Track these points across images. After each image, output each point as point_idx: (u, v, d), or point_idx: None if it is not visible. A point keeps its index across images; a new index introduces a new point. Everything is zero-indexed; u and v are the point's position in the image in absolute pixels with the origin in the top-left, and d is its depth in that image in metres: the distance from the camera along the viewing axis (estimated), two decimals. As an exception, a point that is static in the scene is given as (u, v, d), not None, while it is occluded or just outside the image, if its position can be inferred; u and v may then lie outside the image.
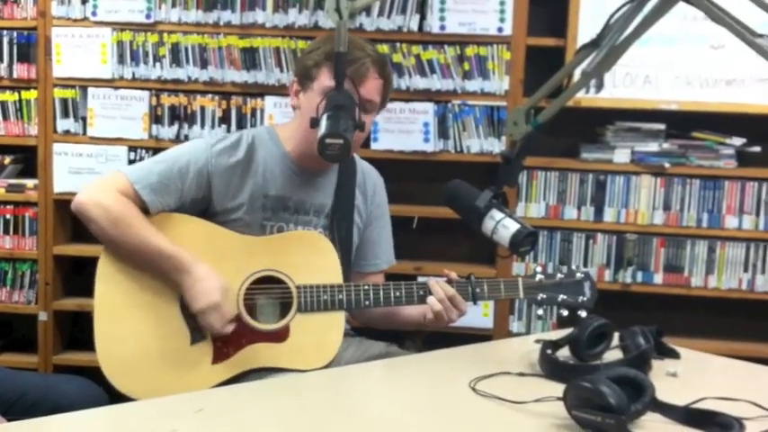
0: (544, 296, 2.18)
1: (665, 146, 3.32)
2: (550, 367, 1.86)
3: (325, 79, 2.18)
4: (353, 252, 2.38)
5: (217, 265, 2.13)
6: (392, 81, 2.34)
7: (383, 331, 2.47)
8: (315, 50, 2.23)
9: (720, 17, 1.61)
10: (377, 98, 2.23)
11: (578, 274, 2.20)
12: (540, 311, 2.20)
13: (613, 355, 1.95)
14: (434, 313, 2.16)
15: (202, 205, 2.24)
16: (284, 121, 2.49)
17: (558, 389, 1.59)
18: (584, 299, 2.19)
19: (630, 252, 3.33)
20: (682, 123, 3.33)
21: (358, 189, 2.39)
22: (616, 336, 1.99)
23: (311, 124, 1.93)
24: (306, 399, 1.76)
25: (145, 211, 2.16)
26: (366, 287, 2.17)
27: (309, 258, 2.19)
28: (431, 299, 2.15)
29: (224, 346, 2.12)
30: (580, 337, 1.91)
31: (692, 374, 1.92)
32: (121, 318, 2.12)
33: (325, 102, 1.93)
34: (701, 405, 1.60)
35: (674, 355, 2.03)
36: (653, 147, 3.32)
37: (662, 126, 3.33)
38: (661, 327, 2.04)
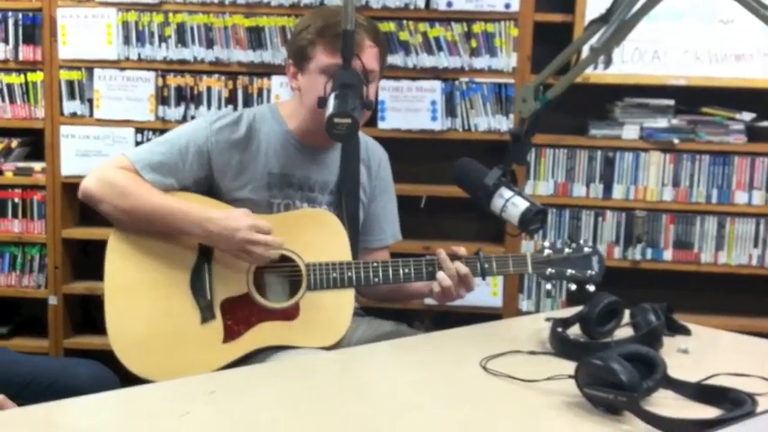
0: (552, 271, 2.17)
1: (674, 122, 3.30)
2: (561, 345, 1.85)
3: (321, 57, 2.17)
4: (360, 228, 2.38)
5: None
6: (386, 46, 2.32)
7: (392, 310, 2.47)
8: (305, 29, 2.20)
9: (732, -9, 1.59)
10: (376, 66, 2.22)
11: (586, 249, 2.19)
12: (549, 286, 2.20)
13: (624, 332, 1.95)
14: (443, 288, 2.15)
15: (206, 184, 2.24)
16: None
17: (569, 367, 1.59)
18: (593, 273, 2.18)
19: (640, 229, 3.32)
20: (691, 99, 3.32)
21: (362, 164, 2.38)
22: (627, 313, 1.99)
23: (319, 104, 1.92)
24: (318, 379, 1.76)
25: None
26: (375, 264, 2.17)
27: (318, 236, 2.19)
28: (440, 274, 2.15)
29: (234, 325, 2.13)
30: (591, 315, 1.91)
31: (704, 351, 1.92)
32: (132, 298, 2.13)
33: (332, 80, 1.92)
34: (712, 381, 1.60)
35: (685, 331, 2.03)
36: (662, 123, 3.30)
37: (671, 102, 3.31)
38: (671, 303, 2.03)
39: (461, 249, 2.19)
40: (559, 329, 1.89)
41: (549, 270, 2.17)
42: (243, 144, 2.25)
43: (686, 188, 3.30)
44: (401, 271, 2.18)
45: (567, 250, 2.19)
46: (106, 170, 2.18)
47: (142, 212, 2.13)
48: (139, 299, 2.12)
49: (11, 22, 3.37)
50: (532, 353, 1.85)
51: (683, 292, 3.31)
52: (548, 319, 1.99)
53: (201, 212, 2.12)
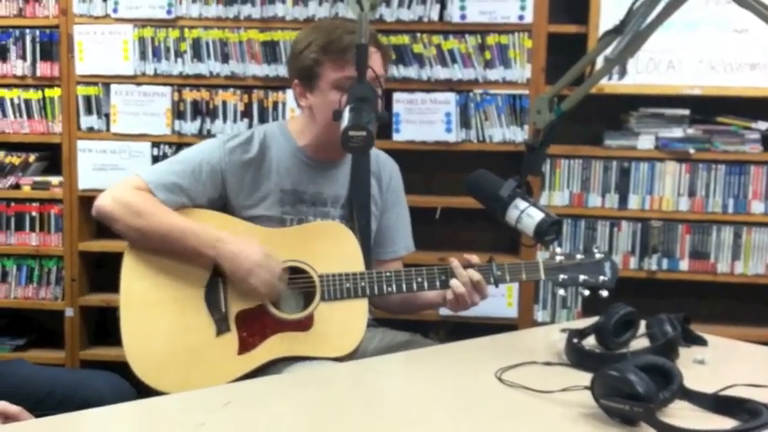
0: (565, 277, 2.16)
1: (690, 131, 3.30)
2: (577, 356, 1.85)
3: (330, 74, 2.18)
4: (372, 240, 2.38)
5: None
6: (388, 50, 2.32)
7: (407, 321, 2.47)
8: (307, 48, 2.21)
9: (747, 2, 1.59)
10: (383, 71, 2.23)
11: (598, 255, 2.18)
12: (563, 292, 2.18)
13: (640, 343, 1.94)
14: (456, 295, 2.15)
15: (219, 204, 2.26)
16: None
17: (584, 378, 1.58)
18: (605, 278, 2.17)
19: (656, 239, 3.31)
20: (706, 108, 3.31)
21: (373, 177, 2.39)
22: (643, 324, 1.98)
23: (334, 117, 1.93)
24: (332, 391, 1.76)
25: None
26: (388, 274, 2.17)
27: (331, 248, 2.20)
28: (453, 281, 2.15)
29: (249, 337, 2.13)
30: (606, 326, 1.90)
31: (720, 362, 1.91)
32: (147, 314, 2.14)
33: (345, 93, 1.93)
34: (729, 392, 1.59)
35: (702, 342, 2.02)
36: (677, 132, 3.29)
37: (686, 111, 3.30)
38: (687, 314, 2.03)
39: (474, 257, 2.20)
40: (575, 340, 1.88)
41: (562, 276, 2.17)
42: (256, 163, 2.26)
43: (702, 198, 3.29)
44: (414, 280, 2.18)
45: (579, 256, 2.18)
46: (121, 190, 2.19)
47: (156, 233, 2.14)
48: (155, 314, 2.13)
49: (28, 39, 3.41)
50: (548, 364, 1.85)
51: (699, 302, 3.30)
52: (563, 330, 1.99)
53: (214, 233, 2.13)
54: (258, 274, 2.09)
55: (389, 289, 2.17)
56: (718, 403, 1.55)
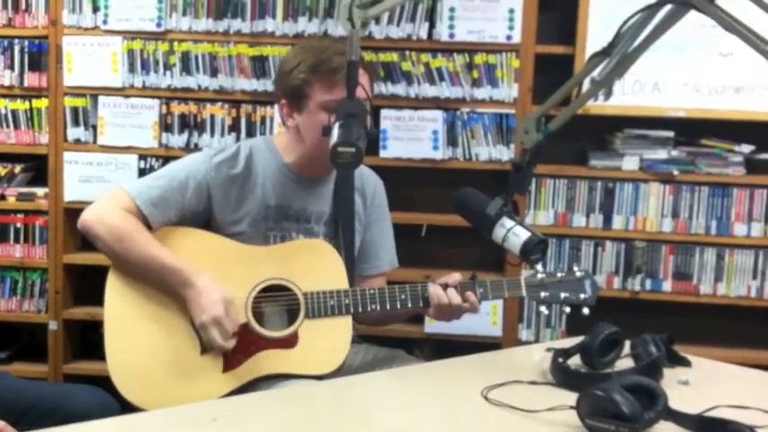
0: (546, 294, 2.18)
1: (674, 153, 3.32)
2: (562, 375, 1.86)
3: (319, 95, 2.20)
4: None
5: (222, 276, 2.14)
6: (375, 70, 2.33)
7: (391, 338, 2.47)
8: (296, 67, 2.22)
9: (732, 25, 1.61)
10: (370, 92, 2.23)
11: (578, 273, 2.21)
12: (545, 309, 2.20)
13: (625, 363, 1.95)
14: (436, 318, 2.20)
15: (203, 218, 2.26)
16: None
17: (570, 397, 1.59)
18: (586, 296, 2.19)
19: (639, 259, 3.33)
20: (690, 130, 3.34)
21: (357, 192, 2.40)
22: (627, 344, 1.99)
23: (323, 133, 1.93)
24: (317, 408, 1.76)
25: (147, 225, 2.18)
26: (372, 291, 2.18)
27: (314, 265, 2.20)
28: (432, 308, 2.17)
29: (234, 355, 2.13)
30: (592, 345, 1.91)
31: (704, 382, 1.92)
32: (132, 330, 2.13)
33: (334, 113, 1.94)
34: (713, 413, 1.61)
35: (686, 363, 2.04)
36: (662, 154, 3.32)
37: (671, 133, 3.33)
38: (671, 334, 2.04)
39: (455, 275, 2.21)
40: (560, 360, 1.89)
41: (543, 293, 2.19)
42: (242, 178, 2.27)
43: (686, 219, 3.32)
44: (398, 298, 2.19)
45: (559, 274, 2.21)
46: (107, 210, 2.19)
47: (134, 262, 2.14)
48: (139, 330, 2.13)
49: (17, 48, 3.40)
50: (533, 383, 1.85)
51: (683, 322, 3.31)
52: (548, 350, 2.00)
53: (187, 275, 2.12)
54: (211, 329, 2.07)
55: (373, 306, 2.18)
56: (703, 424, 1.56)
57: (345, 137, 1.84)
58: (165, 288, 2.13)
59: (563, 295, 2.18)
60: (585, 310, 2.17)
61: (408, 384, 1.93)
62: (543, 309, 2.21)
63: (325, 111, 2.17)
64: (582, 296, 2.19)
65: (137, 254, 2.13)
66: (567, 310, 2.19)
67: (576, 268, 2.22)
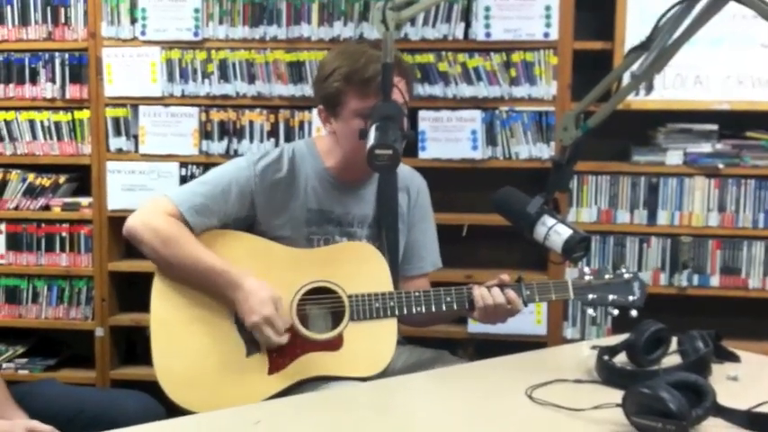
0: (594, 296, 2.16)
1: (718, 146, 3.27)
2: (608, 373, 1.84)
3: (353, 102, 2.20)
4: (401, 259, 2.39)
5: (267, 278, 2.15)
6: (412, 73, 2.32)
7: (435, 339, 2.47)
8: (331, 75, 2.22)
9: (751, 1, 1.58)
10: (407, 97, 2.23)
11: (626, 274, 2.18)
12: (592, 311, 2.17)
13: (672, 360, 1.92)
14: (480, 321, 2.19)
15: (247, 223, 2.28)
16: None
17: (616, 395, 1.57)
18: (635, 298, 2.16)
19: (686, 255, 3.28)
20: (734, 123, 3.29)
21: (402, 192, 2.40)
22: (674, 340, 1.97)
23: (360, 135, 1.93)
24: (361, 410, 1.76)
25: (190, 231, 2.20)
26: (417, 293, 2.18)
27: (359, 268, 2.20)
28: (476, 294, 2.17)
29: (279, 357, 2.14)
30: (637, 343, 1.89)
31: (753, 378, 1.89)
32: (178, 333, 2.15)
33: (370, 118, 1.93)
34: (763, 408, 1.57)
35: (734, 358, 2.00)
36: (706, 148, 3.27)
37: (714, 126, 3.28)
38: (719, 330, 2.00)
39: (504, 276, 2.20)
40: (606, 357, 1.87)
41: (591, 296, 2.16)
42: (285, 183, 2.28)
43: (732, 213, 3.26)
44: (443, 299, 2.18)
45: (607, 276, 2.18)
46: (151, 214, 2.21)
47: (180, 266, 2.16)
48: (185, 333, 2.15)
49: (57, 62, 3.45)
50: (578, 381, 1.84)
51: (732, 318, 3.25)
52: (593, 347, 1.98)
53: (234, 278, 2.13)
54: (264, 328, 2.09)
55: (418, 308, 2.17)
56: (753, 420, 1.54)
57: (382, 139, 1.84)
58: (212, 291, 2.15)
59: (611, 297, 2.16)
60: (633, 313, 2.15)
61: (451, 385, 1.92)
62: (590, 311, 2.19)
63: (359, 118, 2.17)
64: (630, 298, 2.16)
65: (183, 257, 2.15)
66: (615, 312, 2.16)
67: (624, 270, 2.20)
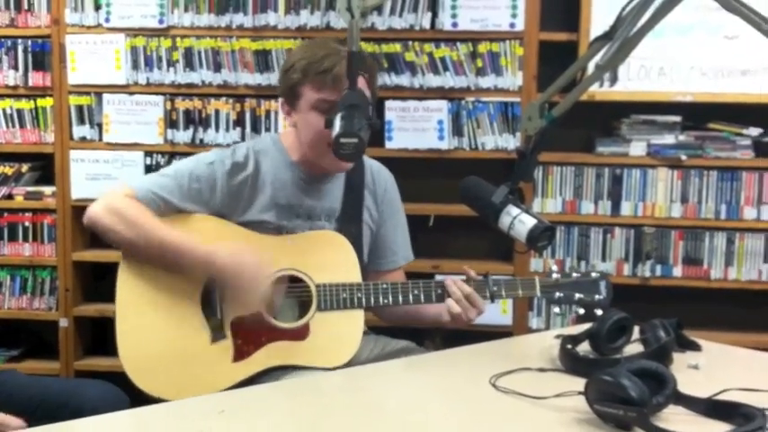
0: (561, 295, 2.19)
1: (682, 138, 3.31)
2: (571, 362, 1.85)
3: (310, 94, 2.19)
4: (364, 254, 2.38)
5: None
6: (375, 69, 2.32)
7: (401, 329, 2.47)
8: (292, 67, 2.22)
9: (735, 6, 1.60)
10: (367, 92, 2.21)
11: (593, 274, 2.22)
12: (557, 309, 2.21)
13: (634, 348, 1.94)
14: (452, 315, 2.17)
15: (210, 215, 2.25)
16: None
17: (578, 383, 1.59)
18: (601, 297, 2.19)
19: (649, 245, 3.32)
20: (698, 115, 3.32)
21: (367, 189, 2.39)
22: (636, 329, 1.99)
23: (326, 125, 1.93)
24: (327, 398, 1.76)
25: None
26: (384, 286, 2.18)
27: (328, 257, 2.20)
28: (449, 301, 2.16)
29: (244, 345, 2.13)
30: (600, 332, 1.90)
31: (714, 366, 1.91)
32: (142, 318, 2.14)
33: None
34: (723, 396, 1.60)
35: (695, 347, 2.03)
36: (669, 139, 3.30)
37: (678, 118, 3.32)
38: (681, 320, 2.03)
39: (471, 272, 2.21)
40: (569, 346, 1.88)
41: (558, 294, 2.19)
42: (251, 180, 2.25)
43: (695, 204, 3.30)
44: (410, 292, 2.19)
45: (575, 275, 2.21)
46: (114, 198, 2.18)
47: (147, 246, 2.13)
48: (150, 318, 2.14)
49: (20, 48, 3.41)
50: (542, 370, 1.85)
51: (693, 308, 3.30)
52: (557, 336, 1.99)
53: (203, 248, 2.12)
54: (251, 288, 2.09)
55: (385, 301, 2.18)
56: (712, 408, 1.56)
57: (347, 128, 1.84)
58: (181, 269, 2.13)
59: (577, 296, 2.19)
60: (599, 311, 2.17)
61: (417, 373, 1.93)
62: (556, 309, 2.21)
63: (315, 111, 2.17)
64: (596, 297, 2.19)
65: (148, 238, 2.12)
66: (581, 311, 2.19)
67: (591, 268, 2.23)
